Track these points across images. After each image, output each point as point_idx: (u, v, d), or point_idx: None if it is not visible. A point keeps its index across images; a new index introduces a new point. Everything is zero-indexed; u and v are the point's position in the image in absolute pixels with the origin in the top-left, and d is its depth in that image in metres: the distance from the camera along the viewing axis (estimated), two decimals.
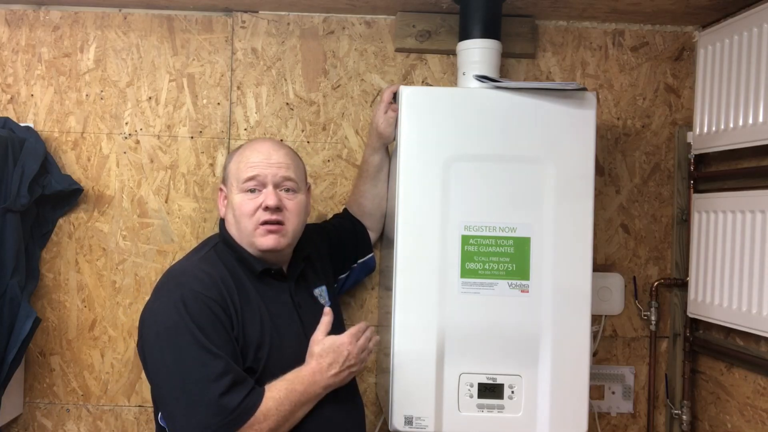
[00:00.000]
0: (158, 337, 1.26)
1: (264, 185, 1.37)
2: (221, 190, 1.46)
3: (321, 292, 1.51)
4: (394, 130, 1.57)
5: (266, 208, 1.35)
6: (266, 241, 1.36)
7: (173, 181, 1.81)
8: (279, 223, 1.36)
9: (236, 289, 1.32)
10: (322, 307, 1.48)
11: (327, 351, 1.30)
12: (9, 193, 1.61)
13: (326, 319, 1.34)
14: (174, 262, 1.70)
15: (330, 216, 1.78)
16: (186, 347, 1.21)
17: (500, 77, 1.58)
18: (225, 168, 1.46)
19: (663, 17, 1.78)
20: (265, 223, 1.35)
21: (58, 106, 1.81)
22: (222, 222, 1.45)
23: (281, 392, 1.24)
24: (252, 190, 1.37)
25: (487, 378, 1.47)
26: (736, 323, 1.56)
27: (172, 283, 1.32)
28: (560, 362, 1.46)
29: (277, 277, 1.41)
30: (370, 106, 1.82)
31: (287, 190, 1.39)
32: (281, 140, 1.77)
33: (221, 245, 1.42)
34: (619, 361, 1.85)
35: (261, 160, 1.38)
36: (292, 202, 1.39)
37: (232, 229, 1.41)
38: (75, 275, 1.80)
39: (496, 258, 1.47)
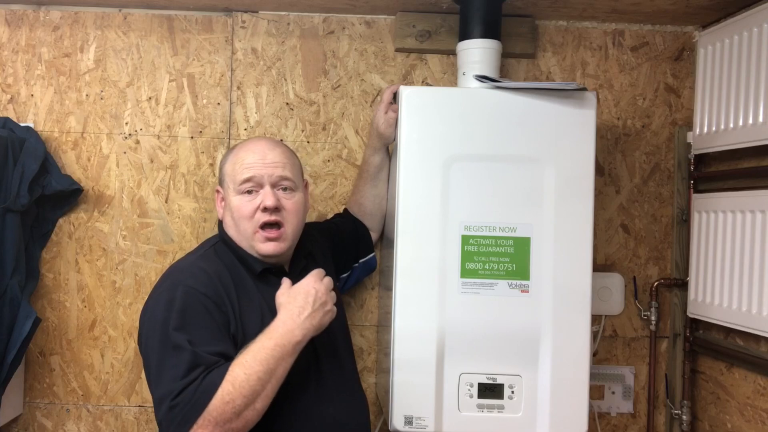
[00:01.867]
0: (148, 332, 1.27)
1: (261, 186, 1.36)
2: (218, 191, 1.46)
3: None
4: (394, 131, 1.57)
5: (265, 209, 1.35)
6: (266, 247, 1.36)
7: (173, 181, 1.81)
8: (278, 224, 1.36)
9: (235, 286, 1.32)
10: None
11: (293, 295, 1.27)
12: (9, 193, 1.61)
13: (288, 281, 1.32)
14: (174, 262, 1.70)
15: (330, 216, 1.78)
16: (166, 345, 1.21)
17: (500, 77, 1.58)
18: (220, 169, 1.46)
19: (663, 17, 1.78)
20: (265, 225, 1.35)
21: (58, 106, 1.81)
22: (220, 223, 1.45)
23: (247, 355, 1.19)
24: (249, 192, 1.37)
25: (487, 378, 1.47)
26: (736, 323, 1.56)
27: (168, 281, 1.32)
28: (560, 362, 1.46)
29: (279, 275, 1.41)
30: (370, 106, 1.82)
31: (285, 189, 1.39)
32: (280, 140, 1.77)
33: (221, 245, 1.42)
34: (619, 361, 1.85)
35: (256, 160, 1.37)
36: (290, 202, 1.39)
37: (231, 231, 1.40)
38: (75, 275, 1.80)
39: (496, 258, 1.47)
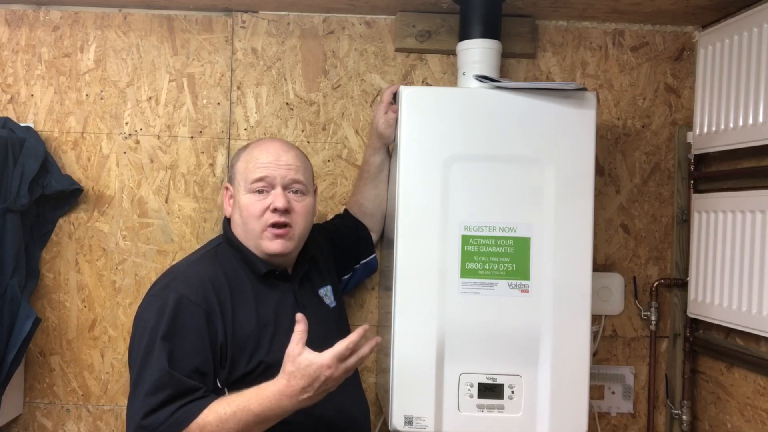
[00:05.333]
0: (136, 334, 1.28)
1: (272, 186, 1.37)
2: (227, 189, 1.46)
3: (326, 292, 1.51)
4: (394, 131, 1.57)
5: (275, 210, 1.34)
6: (273, 245, 1.35)
7: (173, 181, 1.81)
8: (286, 225, 1.36)
9: (230, 291, 1.32)
10: (327, 306, 1.48)
11: (302, 373, 1.16)
12: (9, 193, 1.61)
13: (300, 327, 1.21)
14: (174, 262, 1.71)
15: (330, 216, 1.78)
16: (147, 353, 1.22)
17: (500, 77, 1.58)
18: (231, 167, 1.46)
19: (663, 17, 1.78)
20: (274, 225, 1.35)
21: (58, 106, 1.81)
22: (226, 222, 1.45)
23: (229, 408, 1.17)
24: (260, 191, 1.37)
25: (487, 378, 1.47)
26: (736, 323, 1.56)
27: (161, 284, 1.33)
28: (560, 362, 1.46)
29: (281, 278, 1.41)
30: (370, 106, 1.82)
31: (295, 192, 1.39)
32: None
33: (224, 245, 1.41)
34: (619, 361, 1.85)
35: (270, 161, 1.38)
36: (300, 204, 1.39)
37: (237, 230, 1.40)
38: (75, 275, 1.80)
39: (496, 258, 1.47)
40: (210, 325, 1.26)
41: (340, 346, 1.17)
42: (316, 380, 1.16)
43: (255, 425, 1.18)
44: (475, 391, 1.47)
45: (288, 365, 1.18)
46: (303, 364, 1.16)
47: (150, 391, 1.18)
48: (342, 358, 1.17)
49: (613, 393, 1.84)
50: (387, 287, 1.60)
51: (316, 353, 1.17)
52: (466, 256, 1.47)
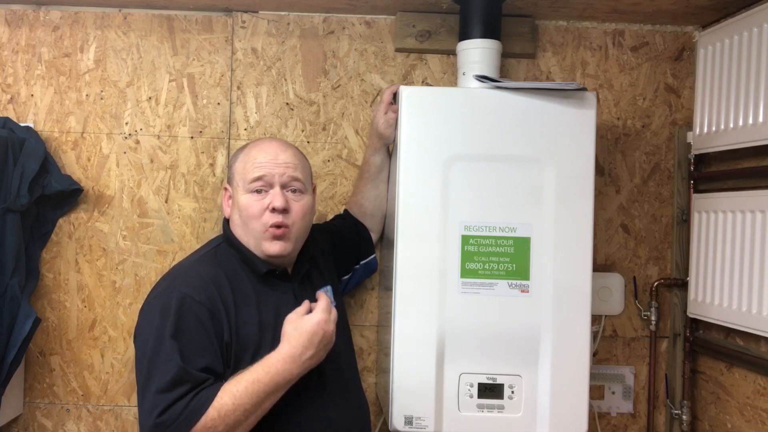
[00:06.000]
0: (139, 336, 1.28)
1: (271, 186, 1.36)
2: (226, 189, 1.46)
3: (326, 292, 1.51)
4: (394, 131, 1.57)
5: (273, 210, 1.34)
6: (273, 247, 1.35)
7: (173, 181, 1.81)
8: (285, 225, 1.36)
9: (232, 291, 1.32)
10: None
11: (301, 332, 1.24)
12: (9, 193, 1.61)
13: (306, 305, 1.31)
14: (174, 262, 1.71)
15: (330, 216, 1.78)
16: (155, 353, 1.22)
17: (500, 77, 1.58)
18: (230, 167, 1.46)
19: (663, 17, 1.78)
20: (273, 225, 1.35)
21: (58, 106, 1.81)
22: (226, 222, 1.45)
23: (240, 385, 1.19)
24: (258, 191, 1.37)
25: (487, 378, 1.47)
26: (736, 323, 1.56)
27: (163, 285, 1.33)
28: (560, 362, 1.46)
29: (281, 278, 1.41)
30: (370, 106, 1.82)
31: (294, 191, 1.39)
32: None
33: (224, 245, 1.41)
34: (619, 361, 1.85)
35: (268, 160, 1.37)
36: (298, 204, 1.38)
37: (237, 230, 1.40)
38: (75, 275, 1.80)
39: (496, 258, 1.47)
40: (215, 324, 1.26)
41: (323, 300, 1.30)
42: (315, 336, 1.24)
43: (267, 397, 1.20)
44: (475, 391, 1.47)
45: (287, 327, 1.26)
46: (301, 321, 1.26)
47: (164, 389, 1.18)
48: (329, 311, 1.28)
49: (613, 393, 1.84)
50: (387, 287, 1.60)
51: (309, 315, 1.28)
52: (466, 256, 1.47)
